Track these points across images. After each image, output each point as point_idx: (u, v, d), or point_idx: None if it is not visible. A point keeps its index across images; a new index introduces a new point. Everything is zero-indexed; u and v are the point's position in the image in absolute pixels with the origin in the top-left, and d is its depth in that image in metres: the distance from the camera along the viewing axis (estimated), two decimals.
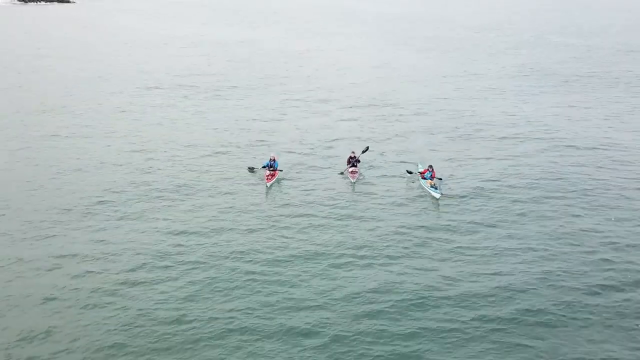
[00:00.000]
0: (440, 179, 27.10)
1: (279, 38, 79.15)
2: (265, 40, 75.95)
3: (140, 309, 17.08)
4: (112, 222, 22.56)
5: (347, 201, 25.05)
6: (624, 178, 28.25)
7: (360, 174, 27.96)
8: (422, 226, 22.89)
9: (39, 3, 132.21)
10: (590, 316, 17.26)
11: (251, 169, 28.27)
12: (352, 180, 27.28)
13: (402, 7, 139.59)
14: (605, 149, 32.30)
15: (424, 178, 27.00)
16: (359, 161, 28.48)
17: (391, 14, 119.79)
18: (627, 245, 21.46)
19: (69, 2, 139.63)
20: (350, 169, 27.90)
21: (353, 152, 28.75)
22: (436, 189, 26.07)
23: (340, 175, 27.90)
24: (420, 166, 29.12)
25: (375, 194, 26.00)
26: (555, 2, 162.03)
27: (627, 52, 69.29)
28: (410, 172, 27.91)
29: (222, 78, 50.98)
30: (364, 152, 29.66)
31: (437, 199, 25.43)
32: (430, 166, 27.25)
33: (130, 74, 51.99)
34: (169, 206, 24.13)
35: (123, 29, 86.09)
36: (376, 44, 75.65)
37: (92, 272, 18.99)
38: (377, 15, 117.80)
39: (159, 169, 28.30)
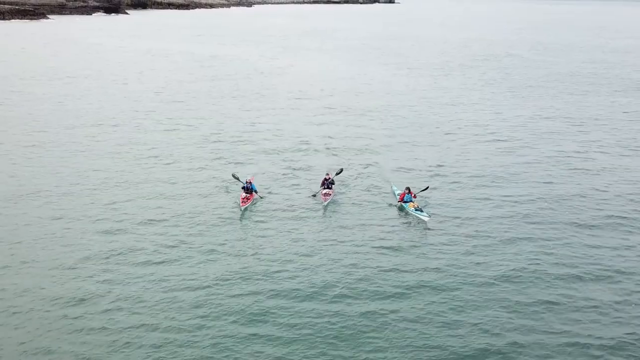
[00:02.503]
0: (415, 197, 26.07)
1: (255, 55, 78.72)
2: (241, 58, 75.33)
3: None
4: (66, 248, 21.21)
5: (319, 226, 23.73)
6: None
7: (334, 196, 26.80)
8: (411, 250, 21.78)
9: (10, 20, 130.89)
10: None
11: (235, 177, 27.52)
12: (324, 203, 26.13)
13: (378, 27, 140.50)
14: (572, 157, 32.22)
15: (403, 201, 25.82)
16: (333, 183, 27.46)
17: (369, 33, 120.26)
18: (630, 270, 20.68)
19: (47, 19, 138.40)
20: (324, 191, 26.86)
21: (327, 174, 27.80)
22: (422, 211, 24.89)
23: (313, 198, 26.74)
24: (394, 187, 28.04)
25: (349, 217, 24.83)
26: (535, 21, 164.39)
27: (588, 68, 70.08)
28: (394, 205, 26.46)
29: (195, 94, 50.26)
30: (337, 174, 28.67)
31: (425, 222, 24.16)
32: (407, 188, 26.15)
33: (102, 90, 50.81)
34: (131, 235, 22.78)
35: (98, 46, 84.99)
36: (353, 62, 75.67)
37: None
38: (355, 34, 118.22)
39: (126, 198, 26.99)
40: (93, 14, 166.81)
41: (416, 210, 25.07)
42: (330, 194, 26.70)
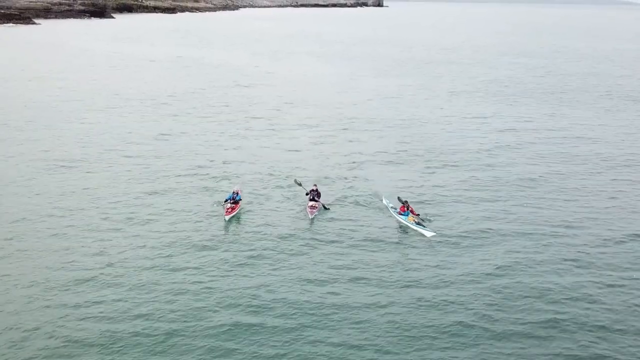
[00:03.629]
0: (419, 214, 25.10)
1: (241, 61, 79.03)
2: (230, 62, 75.69)
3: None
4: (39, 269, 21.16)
5: (307, 240, 23.39)
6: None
7: (321, 209, 26.42)
8: (413, 267, 21.09)
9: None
10: None
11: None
12: (310, 216, 25.54)
13: (366, 31, 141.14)
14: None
15: (401, 215, 25.03)
16: (319, 195, 27.04)
17: (356, 38, 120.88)
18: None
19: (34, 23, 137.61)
20: (310, 204, 26.48)
21: (315, 185, 27.57)
22: (424, 225, 24.04)
23: (299, 186, 27.05)
24: (386, 201, 27.33)
25: (341, 231, 24.51)
26: (526, 25, 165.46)
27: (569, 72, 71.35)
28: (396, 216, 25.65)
29: (180, 102, 50.31)
30: (325, 208, 27.17)
31: (428, 237, 23.28)
32: (406, 201, 25.49)
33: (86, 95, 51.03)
34: (111, 243, 22.72)
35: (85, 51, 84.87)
36: (340, 66, 76.23)
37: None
38: (342, 38, 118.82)
39: (109, 204, 26.97)
40: (79, 18, 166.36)
41: (417, 224, 24.15)
42: (317, 207, 26.22)
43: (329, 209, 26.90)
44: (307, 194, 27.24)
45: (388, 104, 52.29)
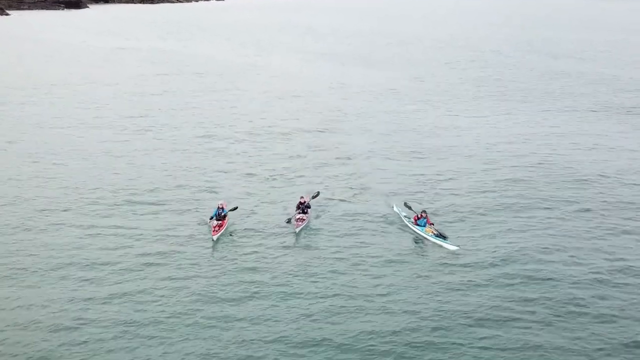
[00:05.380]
0: (432, 224, 23.27)
1: (226, 56, 76.57)
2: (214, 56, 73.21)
3: None
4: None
5: (305, 259, 21.89)
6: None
7: (309, 222, 24.93)
8: (434, 287, 19.48)
9: None
10: None
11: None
12: (296, 229, 24.06)
13: (357, 24, 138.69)
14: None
15: (417, 225, 23.27)
16: (309, 207, 25.62)
17: (347, 31, 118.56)
18: None
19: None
20: (298, 216, 24.93)
21: (302, 197, 25.96)
22: (444, 237, 22.09)
23: (288, 223, 24.81)
24: (397, 209, 25.56)
25: (346, 244, 22.98)
26: (522, 18, 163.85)
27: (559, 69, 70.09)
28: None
29: (160, 102, 47.93)
30: (314, 197, 26.74)
31: (451, 251, 21.43)
32: (424, 211, 23.68)
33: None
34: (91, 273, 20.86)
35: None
36: (329, 61, 74.26)
37: None
38: (333, 31, 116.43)
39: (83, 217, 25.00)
40: (53, 9, 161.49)
41: (437, 236, 22.34)
42: (304, 219, 24.79)
43: (317, 194, 26.69)
44: (288, 221, 25.19)
45: (392, 102, 50.39)
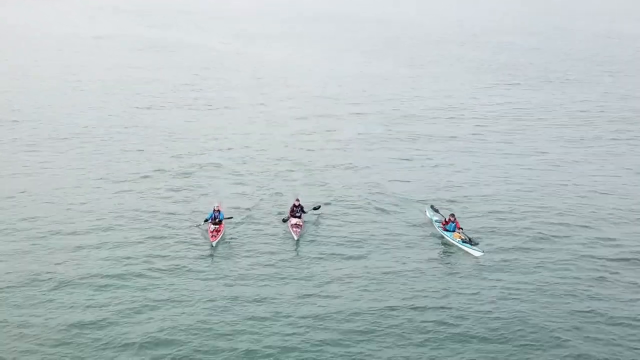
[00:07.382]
0: (462, 228, 22.92)
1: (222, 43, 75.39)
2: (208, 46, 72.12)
3: None
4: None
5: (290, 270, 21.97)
6: None
7: (306, 228, 24.81)
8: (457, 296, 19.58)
9: None
10: None
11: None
12: (295, 237, 23.84)
13: (353, 7, 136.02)
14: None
15: (445, 230, 22.91)
16: (304, 211, 25.36)
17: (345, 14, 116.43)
18: None
19: None
20: (293, 222, 24.65)
21: (297, 200, 25.74)
22: (471, 243, 21.86)
23: (284, 222, 24.93)
24: (429, 212, 24.87)
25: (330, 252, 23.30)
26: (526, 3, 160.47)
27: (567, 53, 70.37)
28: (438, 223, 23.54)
29: (146, 102, 46.67)
30: (315, 209, 26.28)
31: (476, 258, 21.30)
32: (452, 215, 23.21)
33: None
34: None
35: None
36: (324, 49, 73.23)
37: None
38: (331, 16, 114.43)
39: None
40: None
41: (464, 242, 22.09)
42: (301, 226, 24.55)
43: (318, 207, 25.90)
44: (284, 220, 25.27)
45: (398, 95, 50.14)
